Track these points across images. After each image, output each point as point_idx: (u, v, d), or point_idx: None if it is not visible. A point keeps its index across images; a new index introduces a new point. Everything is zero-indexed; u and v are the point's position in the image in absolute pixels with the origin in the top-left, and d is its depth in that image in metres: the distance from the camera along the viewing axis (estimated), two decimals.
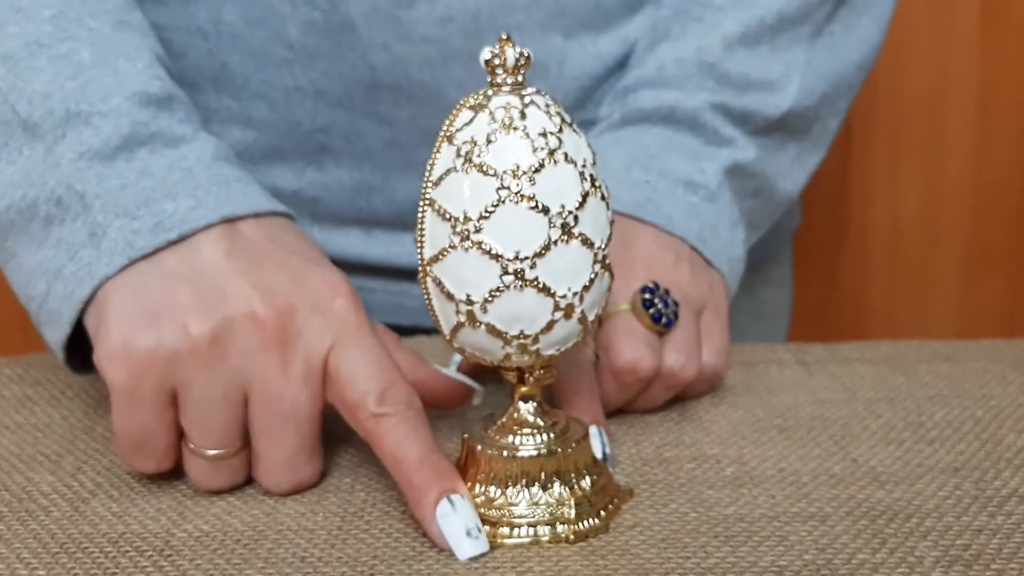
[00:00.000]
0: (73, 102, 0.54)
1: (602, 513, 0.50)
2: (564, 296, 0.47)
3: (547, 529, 0.49)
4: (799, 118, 0.69)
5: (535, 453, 0.50)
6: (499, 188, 0.46)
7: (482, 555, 0.47)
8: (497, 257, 0.46)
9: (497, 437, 0.50)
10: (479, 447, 0.50)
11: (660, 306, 0.59)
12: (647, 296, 0.59)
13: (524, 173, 0.46)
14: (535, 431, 0.50)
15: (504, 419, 0.51)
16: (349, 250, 0.73)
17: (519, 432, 0.50)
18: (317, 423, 0.52)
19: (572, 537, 0.48)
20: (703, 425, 0.60)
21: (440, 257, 0.47)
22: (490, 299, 0.46)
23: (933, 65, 1.15)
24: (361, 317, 0.52)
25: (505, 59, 0.47)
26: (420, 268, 0.48)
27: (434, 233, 0.47)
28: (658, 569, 0.46)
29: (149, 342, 0.50)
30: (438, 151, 0.47)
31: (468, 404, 0.58)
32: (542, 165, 0.46)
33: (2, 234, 0.55)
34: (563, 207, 0.46)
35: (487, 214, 0.46)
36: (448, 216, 0.46)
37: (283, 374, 0.51)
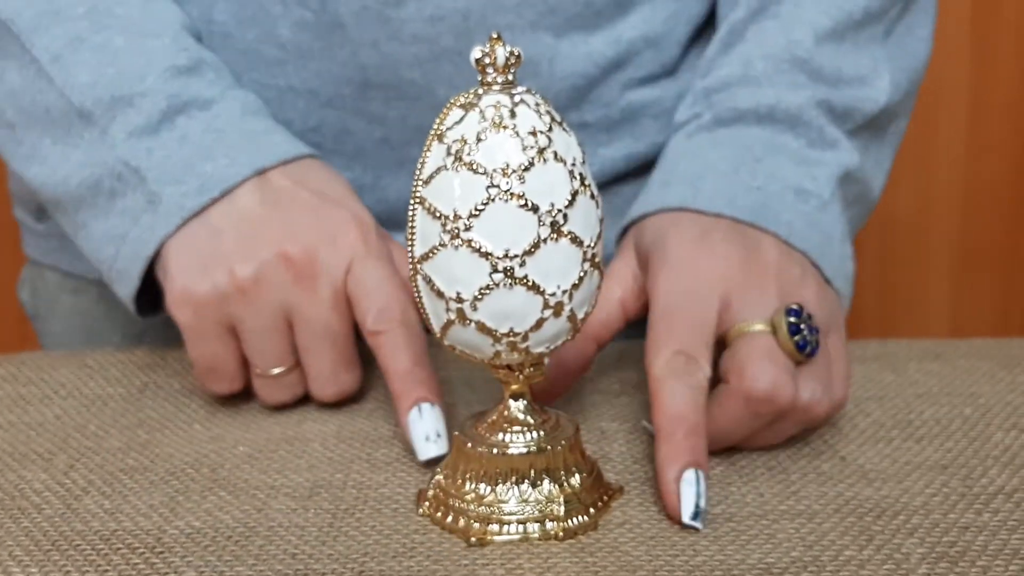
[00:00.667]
0: (116, 87, 0.61)
1: (591, 511, 0.50)
2: (554, 294, 0.47)
3: (537, 526, 0.49)
4: (888, 115, 0.67)
5: (525, 451, 0.50)
6: (489, 186, 0.46)
7: (440, 457, 0.54)
8: (487, 255, 0.46)
9: (487, 434, 0.51)
10: (470, 444, 0.50)
11: (806, 333, 0.54)
12: (792, 320, 0.54)
13: (514, 171, 0.46)
14: (525, 429, 0.50)
15: (495, 416, 0.51)
16: None
17: (509, 430, 0.51)
18: (351, 339, 0.60)
19: (561, 534, 0.49)
20: None
21: (430, 255, 0.47)
22: (480, 297, 0.47)
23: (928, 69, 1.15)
24: (371, 245, 0.60)
25: (496, 58, 0.47)
26: (411, 266, 0.48)
27: (425, 231, 0.47)
28: (647, 566, 0.47)
29: (205, 287, 0.58)
30: (428, 150, 0.47)
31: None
32: (532, 164, 0.46)
33: (73, 208, 0.63)
34: (552, 205, 0.46)
35: (477, 212, 0.46)
36: (438, 214, 0.47)
37: (313, 300, 0.59)
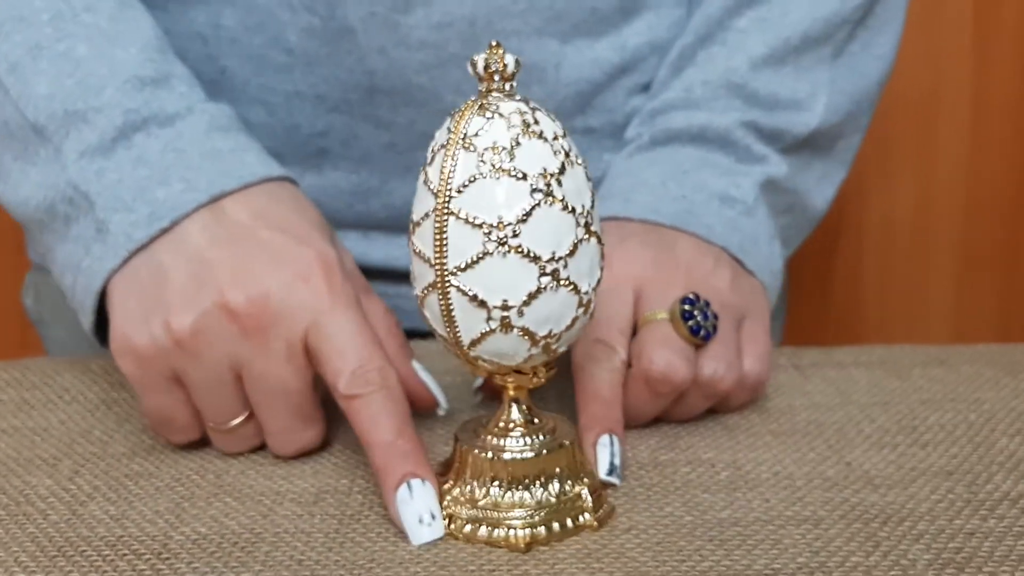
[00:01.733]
0: (71, 101, 0.56)
1: (592, 514, 0.50)
2: (586, 292, 0.48)
3: (542, 530, 0.49)
4: (825, 136, 0.70)
5: (525, 455, 0.50)
6: (533, 191, 0.46)
7: (435, 540, 0.49)
8: (536, 259, 0.46)
9: (487, 438, 0.51)
10: (469, 448, 0.50)
11: (699, 318, 0.58)
12: (686, 307, 0.58)
13: (552, 175, 0.46)
14: (524, 433, 0.51)
15: (494, 421, 0.51)
16: None
17: (509, 434, 0.51)
18: (307, 394, 0.55)
19: (564, 538, 0.49)
20: (697, 429, 0.60)
21: (472, 265, 0.46)
22: (528, 302, 0.47)
23: (926, 67, 1.15)
24: (336, 293, 0.54)
25: (505, 65, 0.47)
26: (436, 280, 0.47)
27: (461, 242, 0.46)
28: (653, 572, 0.47)
29: (144, 338, 0.54)
30: (452, 159, 0.46)
31: (433, 413, 0.59)
32: (563, 168, 0.47)
33: (37, 231, 0.59)
34: (583, 207, 0.47)
35: (524, 217, 0.46)
36: (480, 222, 0.46)
37: (264, 355, 0.53)
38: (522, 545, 0.49)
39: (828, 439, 0.58)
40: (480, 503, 0.49)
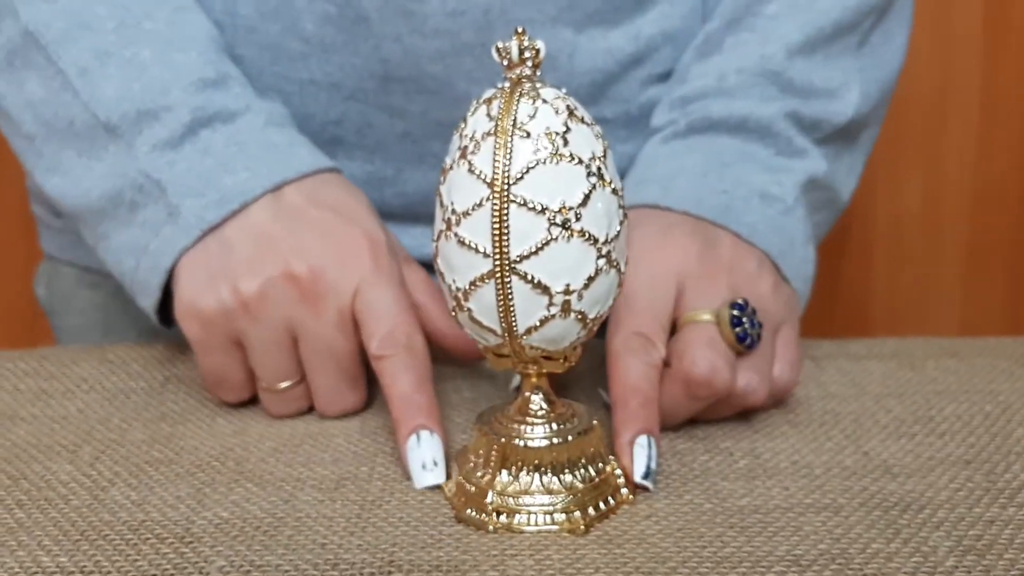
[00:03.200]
0: (141, 102, 0.61)
1: (612, 500, 0.50)
2: (623, 272, 0.49)
3: (562, 516, 0.49)
4: (856, 126, 0.69)
5: (546, 442, 0.50)
6: (589, 175, 0.47)
7: (436, 486, 0.53)
8: (595, 241, 0.47)
9: (509, 425, 0.51)
10: (492, 435, 0.51)
11: (747, 326, 0.57)
12: (735, 313, 0.57)
13: (600, 159, 0.47)
14: (545, 420, 0.51)
15: (515, 408, 0.51)
16: None
17: (530, 421, 0.51)
18: (356, 358, 0.59)
19: (583, 527, 0.49)
20: (715, 419, 0.60)
21: (536, 251, 0.46)
22: (587, 285, 0.47)
23: (935, 64, 1.15)
24: (381, 267, 0.59)
25: (537, 51, 0.47)
26: (495, 269, 0.47)
27: (524, 228, 0.46)
28: (675, 558, 0.47)
29: (210, 301, 0.58)
30: (506, 146, 0.46)
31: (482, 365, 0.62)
32: (606, 151, 0.48)
33: (95, 220, 0.63)
34: (621, 188, 0.49)
35: (584, 201, 0.46)
36: (542, 208, 0.46)
37: (317, 320, 0.58)
38: (582, 527, 0.49)
39: (845, 429, 0.59)
40: (504, 489, 0.50)
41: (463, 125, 0.48)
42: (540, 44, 0.47)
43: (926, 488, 0.52)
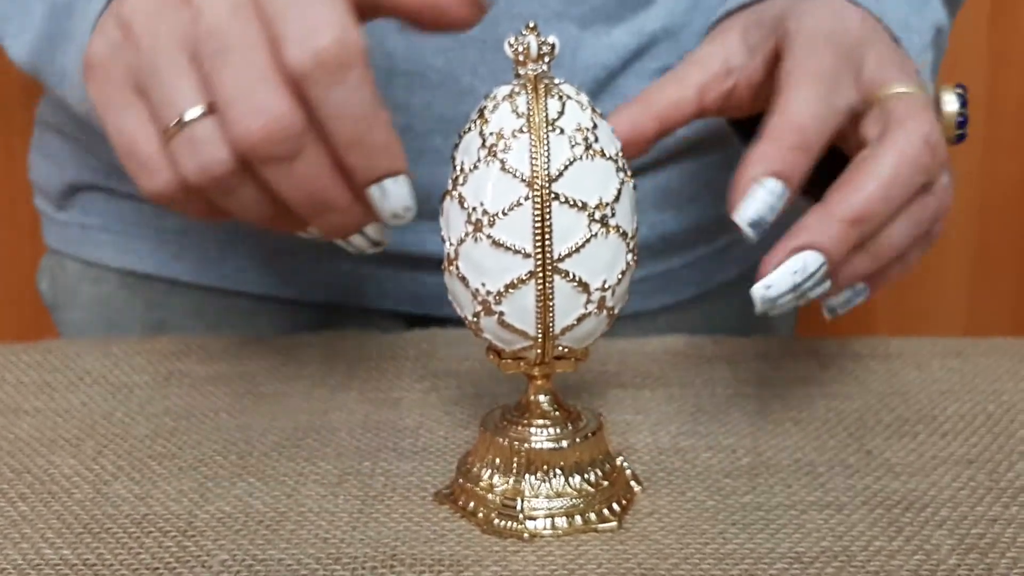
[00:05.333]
0: None
1: (616, 505, 0.50)
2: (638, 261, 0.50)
3: (564, 520, 0.49)
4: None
5: (551, 445, 0.50)
6: (618, 170, 0.47)
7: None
8: (625, 236, 0.47)
9: (513, 427, 0.51)
10: (496, 437, 0.50)
11: (966, 113, 0.50)
12: (961, 92, 0.50)
13: (622, 155, 0.48)
14: (550, 423, 0.50)
15: (519, 410, 0.51)
16: None
17: (534, 423, 0.50)
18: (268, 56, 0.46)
19: (588, 528, 0.49)
20: (717, 416, 0.60)
21: (577, 249, 0.46)
22: (619, 281, 0.47)
23: (942, 67, 1.15)
24: None
25: (552, 46, 0.47)
26: (537, 269, 0.46)
27: (566, 227, 0.45)
28: (677, 554, 0.47)
29: (97, 45, 0.49)
30: (543, 143, 0.45)
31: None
32: (620, 147, 0.48)
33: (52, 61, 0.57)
34: (635, 184, 0.49)
35: (617, 197, 0.46)
36: (582, 204, 0.46)
37: (205, 14, 0.46)
38: (615, 521, 0.49)
39: (848, 427, 0.59)
40: (507, 492, 0.49)
41: (482, 122, 0.47)
42: (554, 39, 0.47)
43: (929, 487, 0.52)
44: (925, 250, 0.53)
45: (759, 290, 0.46)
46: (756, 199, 0.46)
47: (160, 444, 0.57)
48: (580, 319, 0.47)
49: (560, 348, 0.48)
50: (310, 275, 0.77)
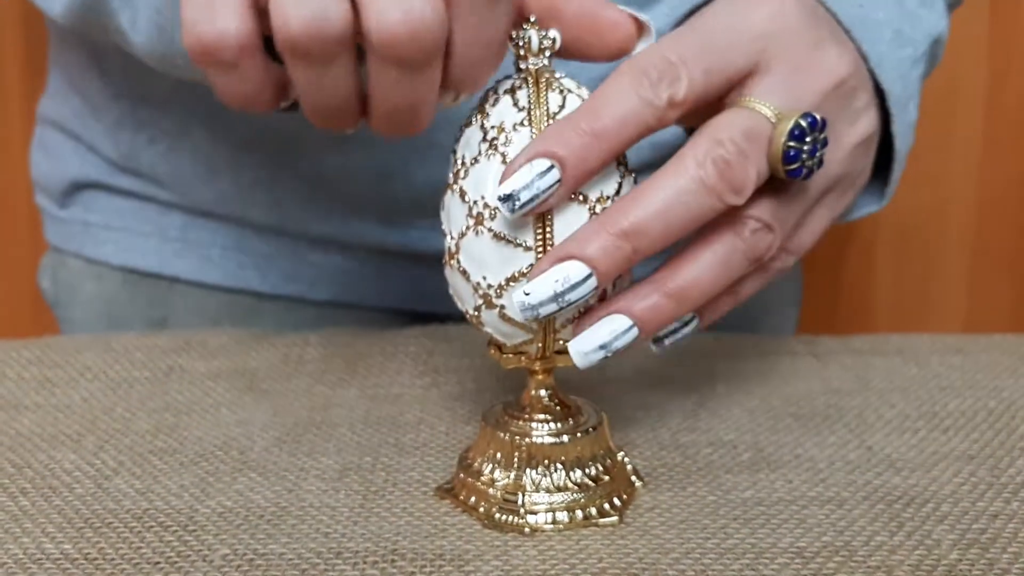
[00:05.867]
0: None
1: (617, 500, 0.50)
2: None
3: (565, 515, 0.49)
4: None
5: (552, 440, 0.50)
6: (618, 165, 0.47)
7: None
8: None
9: (514, 422, 0.51)
10: (497, 432, 0.50)
11: (807, 149, 0.45)
12: (804, 124, 0.45)
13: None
14: (551, 417, 0.50)
15: (520, 405, 0.51)
16: (367, 235, 0.74)
17: (535, 418, 0.51)
18: None
19: (589, 523, 0.49)
20: (718, 412, 0.60)
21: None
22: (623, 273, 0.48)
23: (942, 64, 1.15)
24: None
25: (554, 40, 0.47)
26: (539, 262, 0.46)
27: (567, 220, 0.45)
28: (678, 549, 0.47)
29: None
30: None
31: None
32: None
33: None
34: (635, 178, 0.49)
35: (618, 190, 0.47)
36: (584, 199, 0.46)
37: None
38: (617, 517, 0.49)
39: (848, 423, 0.59)
40: (508, 486, 0.49)
41: (482, 116, 0.47)
42: (555, 33, 0.47)
43: (930, 482, 0.52)
44: (764, 284, 0.51)
45: (519, 295, 0.44)
46: (520, 175, 0.43)
47: (161, 439, 0.57)
48: (581, 312, 0.47)
49: (561, 342, 0.48)
50: (311, 273, 0.77)
